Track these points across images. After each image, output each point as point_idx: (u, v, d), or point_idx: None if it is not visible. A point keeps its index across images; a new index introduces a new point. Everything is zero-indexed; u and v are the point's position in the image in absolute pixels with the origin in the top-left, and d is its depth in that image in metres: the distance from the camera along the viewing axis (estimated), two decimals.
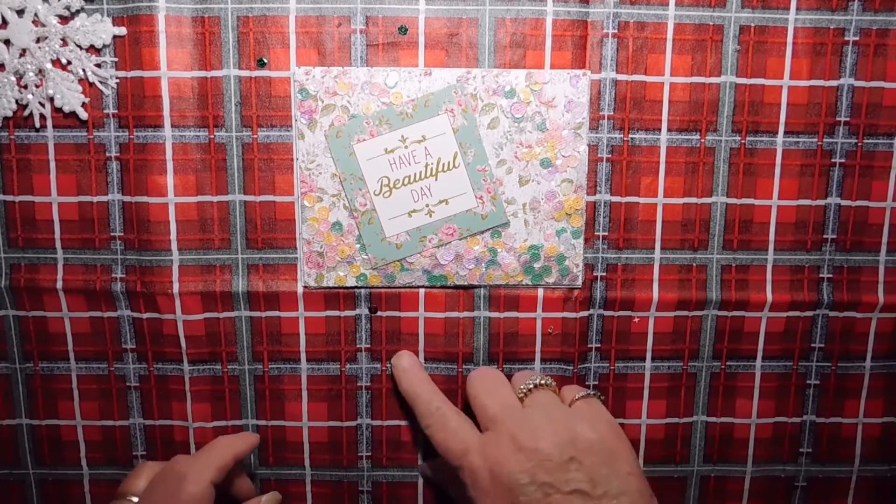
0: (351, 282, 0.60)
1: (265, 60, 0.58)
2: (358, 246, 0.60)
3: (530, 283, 0.61)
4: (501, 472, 0.48)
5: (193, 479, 0.52)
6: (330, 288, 0.61)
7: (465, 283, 0.61)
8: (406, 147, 0.58)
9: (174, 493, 0.51)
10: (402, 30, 0.58)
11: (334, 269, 0.60)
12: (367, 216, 0.59)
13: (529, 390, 0.54)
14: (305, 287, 0.61)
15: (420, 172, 0.59)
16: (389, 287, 0.61)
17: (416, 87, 0.58)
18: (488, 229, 0.60)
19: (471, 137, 0.58)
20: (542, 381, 0.55)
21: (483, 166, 0.58)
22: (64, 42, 0.57)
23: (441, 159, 0.58)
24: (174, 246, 0.60)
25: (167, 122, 0.58)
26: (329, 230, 0.59)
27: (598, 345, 0.63)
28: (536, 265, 0.60)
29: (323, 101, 0.58)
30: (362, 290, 0.61)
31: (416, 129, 0.58)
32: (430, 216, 0.59)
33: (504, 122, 0.58)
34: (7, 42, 0.57)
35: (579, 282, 0.61)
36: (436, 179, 0.59)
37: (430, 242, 0.60)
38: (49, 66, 0.57)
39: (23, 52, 0.57)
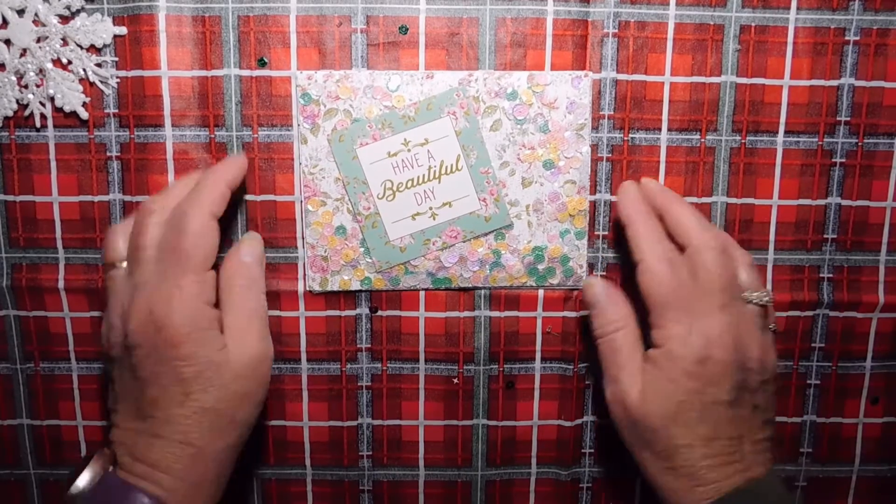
0: (355, 286, 0.60)
1: (266, 60, 0.58)
2: (362, 249, 0.60)
3: (534, 284, 0.61)
4: None
5: (194, 216, 0.51)
6: (334, 292, 0.61)
7: (470, 286, 0.61)
8: (409, 150, 0.58)
9: (178, 235, 0.51)
10: (403, 29, 0.58)
11: (339, 272, 0.60)
12: (370, 220, 0.59)
13: None
14: (310, 291, 0.61)
15: (423, 175, 0.59)
16: (393, 290, 0.61)
17: (418, 90, 0.58)
18: (492, 231, 0.60)
19: (473, 140, 0.58)
20: None
21: (486, 168, 0.58)
22: (64, 42, 0.57)
23: (444, 162, 0.58)
24: None
25: (168, 121, 0.58)
26: (333, 234, 0.59)
27: None
28: (540, 266, 0.60)
29: (325, 106, 0.57)
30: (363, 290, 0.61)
31: (418, 133, 0.58)
32: (434, 219, 0.59)
33: (506, 124, 0.58)
34: (7, 42, 0.57)
35: (583, 283, 0.61)
36: (439, 182, 0.59)
37: (434, 245, 0.60)
38: (49, 65, 0.57)
39: (23, 52, 0.57)
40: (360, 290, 0.61)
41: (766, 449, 0.52)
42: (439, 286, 0.61)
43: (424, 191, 0.59)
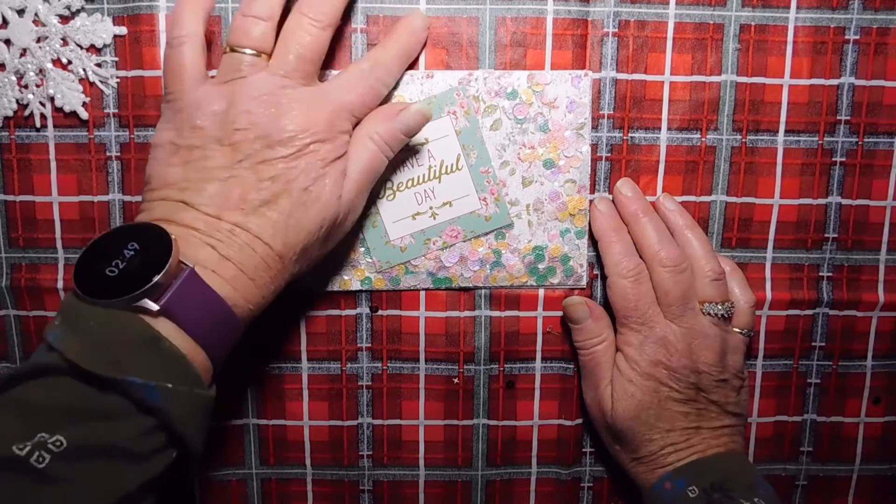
0: (356, 286, 0.60)
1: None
2: (362, 249, 0.60)
3: (535, 283, 0.61)
4: None
5: (393, 70, 0.55)
6: (334, 292, 0.61)
7: (470, 285, 0.61)
8: (409, 150, 0.58)
9: (362, 80, 0.53)
10: None
11: (339, 273, 0.60)
12: (371, 220, 0.59)
13: None
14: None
15: (423, 175, 0.59)
16: (393, 289, 0.61)
17: (419, 89, 0.58)
18: (492, 231, 0.60)
19: (473, 139, 0.58)
20: None
21: (486, 168, 0.58)
22: (64, 42, 0.57)
23: (444, 161, 0.58)
24: None
25: None
26: None
27: None
28: (541, 266, 0.60)
29: None
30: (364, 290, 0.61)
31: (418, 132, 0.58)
32: (434, 218, 0.59)
33: (506, 123, 0.58)
34: (7, 42, 0.57)
35: (584, 282, 0.61)
36: (439, 182, 0.59)
37: (435, 245, 0.60)
38: (49, 65, 0.57)
39: (23, 52, 0.57)
40: (361, 290, 0.61)
41: (727, 434, 0.58)
42: (440, 286, 0.61)
43: (425, 190, 0.59)
